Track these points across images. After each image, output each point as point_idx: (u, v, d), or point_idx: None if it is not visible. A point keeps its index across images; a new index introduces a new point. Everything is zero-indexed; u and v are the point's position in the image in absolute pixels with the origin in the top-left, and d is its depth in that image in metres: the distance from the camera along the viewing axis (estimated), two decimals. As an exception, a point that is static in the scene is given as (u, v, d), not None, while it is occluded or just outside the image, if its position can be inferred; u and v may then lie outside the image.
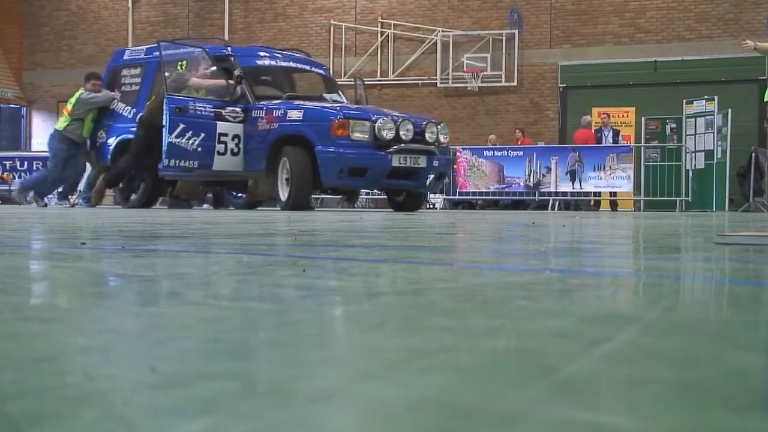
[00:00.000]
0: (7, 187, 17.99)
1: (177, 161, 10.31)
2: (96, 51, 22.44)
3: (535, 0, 19.14)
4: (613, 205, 15.94)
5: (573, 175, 15.10)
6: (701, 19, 18.15)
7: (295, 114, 9.96)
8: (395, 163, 9.79)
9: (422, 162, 10.09)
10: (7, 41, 23.04)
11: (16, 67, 23.06)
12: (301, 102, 10.34)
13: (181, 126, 10.22)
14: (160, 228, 4.05)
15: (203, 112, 10.41)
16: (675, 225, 5.51)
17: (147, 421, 0.56)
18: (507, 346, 0.88)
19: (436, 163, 10.31)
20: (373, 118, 9.75)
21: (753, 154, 15.31)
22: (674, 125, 15.85)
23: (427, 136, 10.20)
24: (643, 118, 16.21)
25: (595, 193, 15.75)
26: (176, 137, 10.21)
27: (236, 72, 10.72)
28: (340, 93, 11.89)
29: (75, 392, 0.64)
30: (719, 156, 14.85)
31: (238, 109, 10.60)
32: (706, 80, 17.31)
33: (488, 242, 2.97)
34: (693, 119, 15.40)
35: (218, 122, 10.43)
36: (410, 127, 10.01)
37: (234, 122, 10.51)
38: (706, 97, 15.25)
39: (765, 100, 10.70)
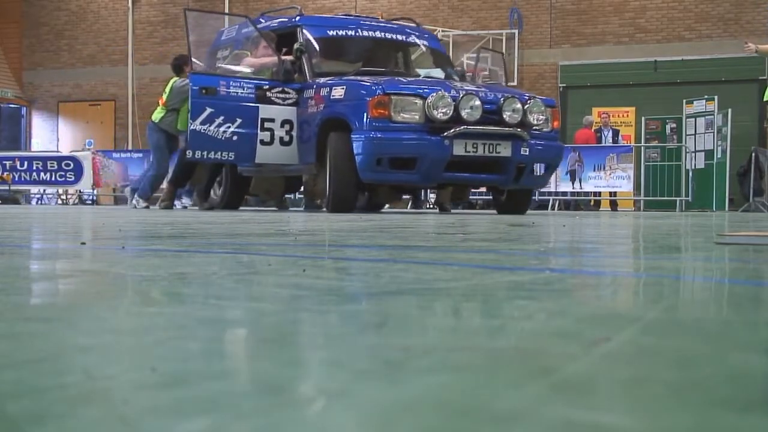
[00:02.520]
0: (7, 187, 18.00)
1: (202, 152, 8.74)
2: (96, 51, 22.44)
3: (535, 0, 19.14)
4: (613, 205, 15.94)
5: (573, 175, 15.10)
6: (701, 19, 18.15)
7: (338, 92, 8.21)
8: (458, 151, 7.71)
9: (504, 149, 7.87)
10: (7, 41, 23.04)
11: (16, 67, 23.07)
12: (354, 77, 8.44)
13: (208, 110, 8.62)
14: (160, 228, 4.05)
15: (239, 94, 8.72)
16: (675, 225, 5.51)
17: (147, 421, 0.56)
18: (507, 346, 0.88)
19: (525, 151, 7.96)
20: (425, 94, 7.74)
21: (753, 154, 15.31)
22: (674, 125, 15.86)
23: (507, 115, 7.90)
24: (643, 118, 16.22)
25: (595, 193, 15.75)
26: (201, 123, 8.62)
27: (296, 45, 8.99)
28: (451, 68, 9.78)
29: (75, 392, 0.64)
30: (719, 156, 14.85)
31: (289, 90, 8.84)
32: (706, 80, 17.30)
33: (488, 242, 2.97)
34: (693, 119, 15.41)
35: (260, 105, 8.74)
36: (476, 103, 7.77)
37: (283, 105, 8.81)
38: (706, 97, 15.25)
39: (765, 99, 10.71)
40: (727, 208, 14.48)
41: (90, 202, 19.31)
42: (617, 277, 1.80)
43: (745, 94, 16.98)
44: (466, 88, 8.13)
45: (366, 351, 0.85)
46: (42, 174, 18.09)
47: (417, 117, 7.69)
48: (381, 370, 0.74)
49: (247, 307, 1.20)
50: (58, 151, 20.54)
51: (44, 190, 19.50)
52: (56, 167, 18.08)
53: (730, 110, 14.83)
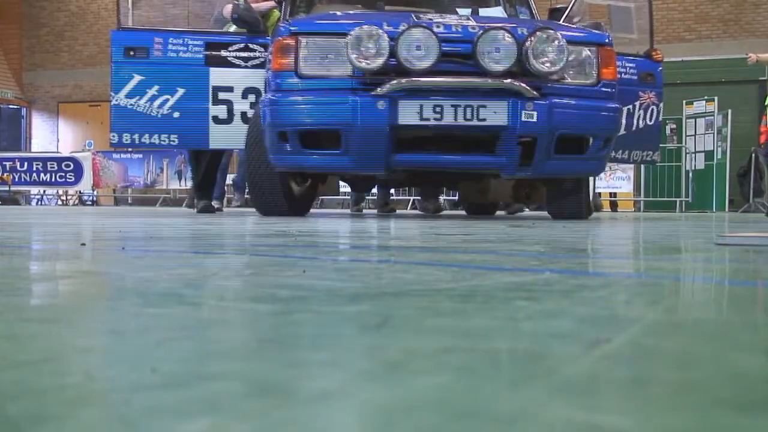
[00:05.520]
0: (7, 188, 18.00)
1: (132, 135, 6.48)
2: (96, 51, 22.44)
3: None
4: (613, 205, 15.94)
5: (573, 176, 15.05)
6: (701, 19, 18.15)
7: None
8: (407, 118, 5.04)
9: (494, 114, 5.04)
10: (7, 42, 23.04)
11: (16, 68, 23.07)
12: (305, 18, 6.05)
13: (137, 78, 6.36)
14: (160, 229, 4.06)
15: (181, 54, 6.34)
16: (675, 226, 5.51)
17: (147, 421, 0.56)
18: (507, 347, 0.88)
19: (530, 116, 5.06)
20: (349, 29, 5.12)
21: (753, 155, 15.32)
22: (674, 126, 15.86)
23: (486, 59, 5.03)
24: (643, 119, 16.21)
25: (595, 194, 15.75)
26: (128, 96, 6.40)
27: None
28: (525, 7, 7.30)
29: (75, 393, 0.64)
30: (719, 156, 14.86)
31: (255, 46, 6.38)
32: (706, 81, 17.30)
33: (487, 243, 2.97)
34: (693, 120, 15.41)
35: (211, 69, 6.34)
36: (430, 40, 4.98)
37: (245, 67, 6.37)
38: (706, 97, 15.26)
39: (766, 104, 10.76)
40: (727, 209, 14.47)
41: (90, 203, 19.32)
42: (617, 278, 1.79)
43: (745, 95, 16.98)
44: (426, 21, 5.24)
45: (366, 351, 0.85)
46: (42, 175, 18.10)
47: (339, 69, 5.17)
48: (381, 370, 0.74)
49: (247, 307, 1.20)
50: (58, 152, 20.55)
51: (44, 191, 19.51)
52: (56, 168, 18.09)
53: (730, 111, 14.83)
